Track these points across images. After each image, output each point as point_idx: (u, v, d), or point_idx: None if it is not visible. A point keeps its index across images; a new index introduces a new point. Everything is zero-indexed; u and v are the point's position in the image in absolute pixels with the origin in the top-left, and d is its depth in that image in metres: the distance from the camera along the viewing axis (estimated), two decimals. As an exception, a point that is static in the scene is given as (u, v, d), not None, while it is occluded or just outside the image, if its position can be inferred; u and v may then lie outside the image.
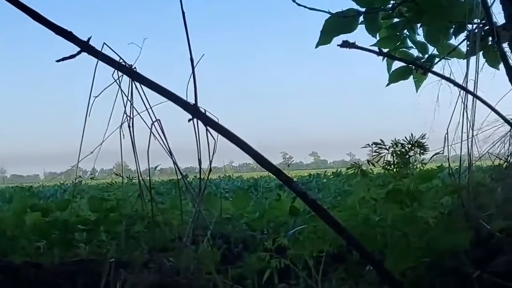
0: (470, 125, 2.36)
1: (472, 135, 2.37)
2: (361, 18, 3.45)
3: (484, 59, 3.32)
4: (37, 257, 3.40)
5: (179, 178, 2.04)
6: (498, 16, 2.88)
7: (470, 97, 2.37)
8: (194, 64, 1.95)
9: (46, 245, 3.47)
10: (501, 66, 2.82)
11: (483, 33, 2.99)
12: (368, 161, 2.16)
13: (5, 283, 2.48)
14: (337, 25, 3.38)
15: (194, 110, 1.95)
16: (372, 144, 2.14)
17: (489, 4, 2.81)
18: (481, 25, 2.96)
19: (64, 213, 3.66)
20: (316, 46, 3.47)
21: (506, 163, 2.52)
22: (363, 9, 3.42)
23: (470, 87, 2.45)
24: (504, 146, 2.52)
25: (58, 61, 2.24)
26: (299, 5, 3.30)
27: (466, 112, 2.37)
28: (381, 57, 3.25)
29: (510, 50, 2.74)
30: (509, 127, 2.38)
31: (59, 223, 3.46)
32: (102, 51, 2.12)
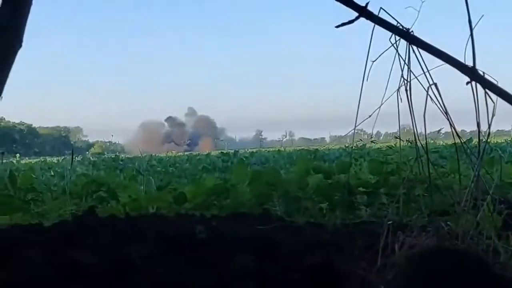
0: None
1: None
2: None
3: None
4: (320, 218, 4.25)
5: (456, 141, 2.45)
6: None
7: None
8: (473, 26, 2.31)
9: (328, 206, 4.30)
10: None
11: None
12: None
13: (289, 241, 3.21)
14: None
15: (472, 73, 2.32)
16: None
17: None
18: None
19: (346, 176, 4.42)
20: None
21: None
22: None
23: None
24: None
25: (337, 26, 2.86)
26: None
27: None
28: None
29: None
30: None
31: (341, 186, 4.23)
32: (379, 15, 2.66)
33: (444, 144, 13.42)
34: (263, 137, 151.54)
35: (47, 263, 2.41)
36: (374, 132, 3.11)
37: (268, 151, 33.96)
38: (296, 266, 2.36)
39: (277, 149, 36.57)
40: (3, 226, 3.69)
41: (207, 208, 4.61)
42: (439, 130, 3.54)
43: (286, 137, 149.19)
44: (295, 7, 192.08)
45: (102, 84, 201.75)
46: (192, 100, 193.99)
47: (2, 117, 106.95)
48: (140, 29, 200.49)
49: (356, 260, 2.49)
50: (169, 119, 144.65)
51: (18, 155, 46.68)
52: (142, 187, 5.71)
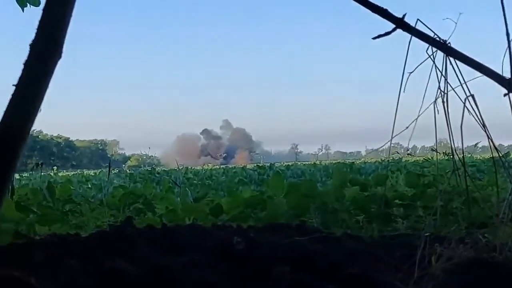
0: None
1: None
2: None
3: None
4: (357, 230, 4.24)
5: (494, 155, 2.44)
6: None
7: None
8: (510, 38, 2.30)
9: (365, 218, 4.30)
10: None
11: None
12: None
13: (327, 252, 3.22)
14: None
15: (509, 85, 2.31)
16: None
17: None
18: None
19: (382, 188, 4.42)
20: None
21: None
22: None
23: None
24: None
25: (374, 38, 2.88)
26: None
27: None
28: None
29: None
30: None
31: (377, 198, 4.24)
32: (416, 27, 2.67)
33: (481, 158, 13.30)
34: (298, 150, 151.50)
35: (86, 272, 2.47)
36: (410, 146, 3.10)
37: (304, 165, 33.97)
38: (333, 277, 2.37)
39: (313, 163, 36.58)
40: (42, 236, 3.78)
41: (243, 219, 4.65)
42: (476, 144, 3.52)
43: (321, 150, 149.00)
44: (330, 18, 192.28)
45: (138, 97, 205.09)
46: (227, 112, 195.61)
47: (40, 130, 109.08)
48: (174, 42, 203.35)
49: (393, 271, 2.48)
50: (205, 131, 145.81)
51: (55, 167, 47.65)
52: (179, 199, 5.78)
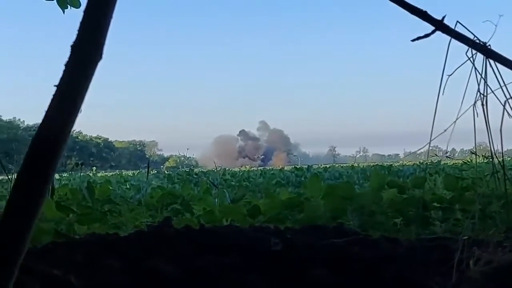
0: None
1: None
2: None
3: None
4: (394, 232, 4.21)
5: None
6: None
7: None
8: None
9: (403, 221, 4.27)
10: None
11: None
12: None
13: (364, 255, 3.22)
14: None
15: (551, 88, 2.28)
16: None
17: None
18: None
19: (420, 191, 4.39)
20: None
21: None
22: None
23: None
24: None
25: (413, 40, 2.86)
26: None
27: None
28: None
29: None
30: None
31: (415, 201, 4.21)
32: (455, 29, 2.64)
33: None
34: (336, 152, 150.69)
35: (124, 271, 2.53)
36: (449, 149, 3.07)
37: (342, 167, 33.76)
38: (371, 280, 2.38)
39: (350, 165, 36.36)
40: (82, 235, 3.87)
41: (281, 221, 4.66)
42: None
43: (359, 153, 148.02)
44: (366, 21, 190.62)
45: (177, 99, 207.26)
46: (264, 114, 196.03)
47: (80, 130, 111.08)
48: (211, 45, 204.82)
49: (431, 274, 2.47)
50: (242, 132, 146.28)
51: (94, 168, 48.56)
52: (217, 200, 5.83)
